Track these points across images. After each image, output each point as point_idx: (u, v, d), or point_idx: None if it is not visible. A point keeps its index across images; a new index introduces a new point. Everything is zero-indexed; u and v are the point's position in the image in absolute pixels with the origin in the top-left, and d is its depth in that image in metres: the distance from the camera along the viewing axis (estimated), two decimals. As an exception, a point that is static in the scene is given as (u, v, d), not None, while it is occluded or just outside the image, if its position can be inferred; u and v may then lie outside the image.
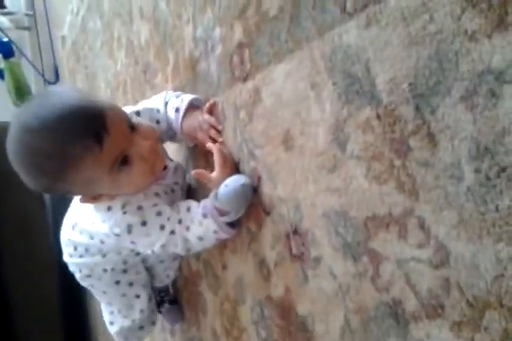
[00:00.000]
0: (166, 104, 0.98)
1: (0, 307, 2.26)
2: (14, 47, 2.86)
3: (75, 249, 1.01)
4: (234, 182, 0.81)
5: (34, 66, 3.16)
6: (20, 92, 3.13)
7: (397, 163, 0.52)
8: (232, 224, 0.87)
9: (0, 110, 3.31)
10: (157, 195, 0.94)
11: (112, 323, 1.15)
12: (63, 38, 2.38)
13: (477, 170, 0.43)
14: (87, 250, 1.00)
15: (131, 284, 1.09)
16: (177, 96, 0.97)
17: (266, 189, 0.78)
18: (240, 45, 0.79)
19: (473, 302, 0.46)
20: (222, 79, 0.87)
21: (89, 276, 1.05)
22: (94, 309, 2.37)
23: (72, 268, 1.07)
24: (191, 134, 0.94)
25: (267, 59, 0.73)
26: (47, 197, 3.01)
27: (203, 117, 0.91)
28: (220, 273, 1.01)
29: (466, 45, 0.43)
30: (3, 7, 3.63)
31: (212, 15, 0.87)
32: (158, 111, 0.99)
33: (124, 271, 1.06)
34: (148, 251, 0.92)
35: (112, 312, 1.14)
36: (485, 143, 0.42)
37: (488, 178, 0.42)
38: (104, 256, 1.00)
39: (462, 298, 0.47)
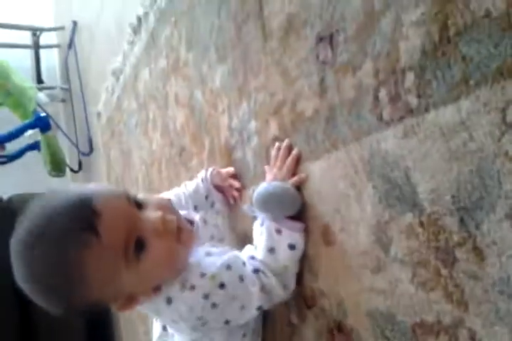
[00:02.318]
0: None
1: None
2: (51, 121, 2.98)
3: None
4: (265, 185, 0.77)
5: (69, 138, 3.28)
6: (56, 163, 3.23)
7: (444, 272, 0.52)
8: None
9: (36, 181, 3.42)
10: (208, 254, 0.80)
11: None
12: (98, 113, 2.47)
13: (529, 290, 0.43)
14: None
15: None
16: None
17: (307, 281, 0.78)
18: (276, 139, 0.82)
19: None
20: (259, 169, 0.90)
21: None
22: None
23: None
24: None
25: (304, 155, 0.75)
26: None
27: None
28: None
29: (507, 165, 0.43)
30: (41, 82, 3.82)
31: (248, 108, 0.90)
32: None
33: None
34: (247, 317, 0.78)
35: None
36: (535, 262, 0.42)
37: (541, 299, 0.42)
38: None
39: None
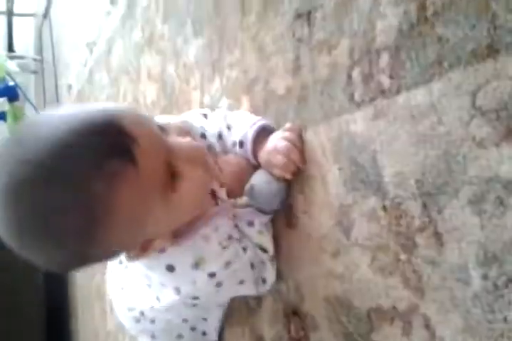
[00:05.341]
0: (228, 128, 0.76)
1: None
2: (19, 92, 2.90)
3: None
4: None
5: (38, 111, 3.19)
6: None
7: (403, 257, 0.51)
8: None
9: None
10: (230, 238, 0.70)
11: None
12: (69, 86, 2.41)
13: (485, 277, 0.43)
14: None
15: None
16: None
17: (266, 263, 0.77)
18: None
19: None
20: (227, 148, 0.88)
21: None
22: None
23: None
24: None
25: (273, 135, 0.73)
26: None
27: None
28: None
29: (474, 150, 0.43)
30: (12, 51, 3.70)
31: (220, 85, 0.88)
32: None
33: None
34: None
35: None
36: (493, 250, 0.42)
37: (496, 287, 0.42)
38: None
39: None
